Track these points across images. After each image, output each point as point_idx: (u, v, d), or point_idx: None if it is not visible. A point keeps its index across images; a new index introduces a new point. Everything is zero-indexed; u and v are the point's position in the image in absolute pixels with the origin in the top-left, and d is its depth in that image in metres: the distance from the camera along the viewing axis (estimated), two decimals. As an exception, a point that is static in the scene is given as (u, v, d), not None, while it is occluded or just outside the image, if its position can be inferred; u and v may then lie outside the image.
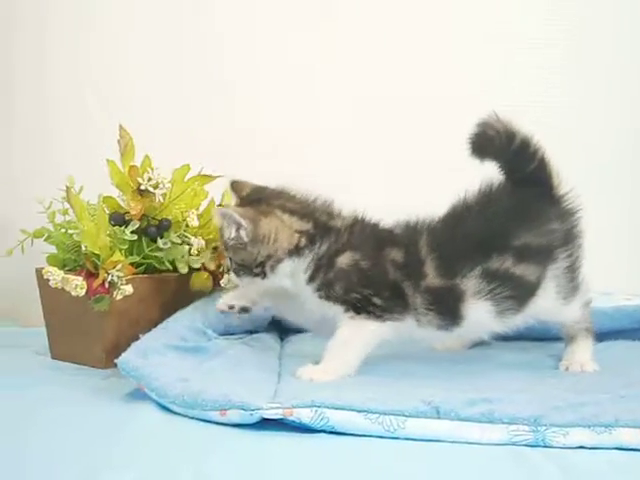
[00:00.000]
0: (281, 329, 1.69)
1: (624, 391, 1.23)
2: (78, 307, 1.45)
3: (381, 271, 1.34)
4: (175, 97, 1.95)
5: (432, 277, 1.34)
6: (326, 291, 1.34)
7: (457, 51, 1.98)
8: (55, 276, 1.41)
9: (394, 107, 1.96)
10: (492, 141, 1.39)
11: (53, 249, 1.55)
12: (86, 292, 1.40)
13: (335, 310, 1.35)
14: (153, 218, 1.53)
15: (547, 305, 1.39)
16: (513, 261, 1.34)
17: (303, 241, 1.35)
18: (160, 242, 1.51)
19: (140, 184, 1.48)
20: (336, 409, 1.11)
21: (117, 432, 1.11)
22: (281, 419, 1.11)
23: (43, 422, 1.15)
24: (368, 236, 1.37)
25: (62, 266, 1.50)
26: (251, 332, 1.63)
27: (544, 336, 1.67)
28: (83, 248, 1.43)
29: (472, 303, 1.34)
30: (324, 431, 1.11)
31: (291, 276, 1.36)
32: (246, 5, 1.99)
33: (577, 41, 1.96)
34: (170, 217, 1.54)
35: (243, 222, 1.32)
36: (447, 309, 1.34)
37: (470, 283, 1.33)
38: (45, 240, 1.55)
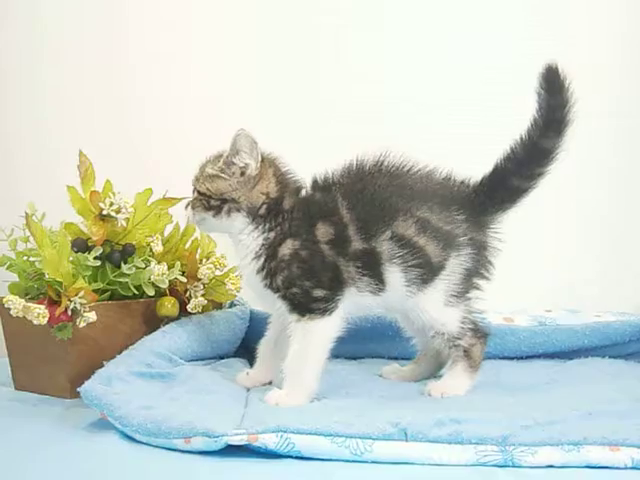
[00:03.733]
0: (250, 354, 1.67)
1: (593, 408, 1.23)
2: (41, 336, 1.42)
3: (319, 258, 1.33)
4: (134, 121, 1.93)
5: (355, 241, 1.33)
6: (270, 280, 1.34)
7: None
8: (16, 305, 1.38)
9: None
10: (562, 89, 1.34)
11: (15, 277, 1.52)
12: (48, 320, 1.38)
13: (280, 305, 1.35)
14: (117, 243, 1.51)
15: (433, 296, 1.37)
16: (415, 230, 1.33)
17: (262, 210, 1.35)
18: (124, 267, 1.49)
19: (102, 209, 1.47)
20: (301, 434, 1.10)
21: (79, 463, 1.09)
22: (246, 445, 1.09)
23: (2, 455, 1.13)
24: (303, 215, 1.36)
25: (24, 294, 1.48)
26: (220, 357, 1.61)
27: (515, 354, 1.68)
28: (45, 276, 1.40)
29: (386, 267, 1.33)
30: (290, 456, 1.09)
31: (237, 240, 1.37)
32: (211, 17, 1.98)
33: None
34: (134, 242, 1.52)
35: (260, 157, 1.34)
36: (373, 272, 1.33)
37: (384, 247, 1.33)
38: (7, 269, 1.52)
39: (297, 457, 1.09)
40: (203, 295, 1.57)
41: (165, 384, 1.35)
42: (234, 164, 1.34)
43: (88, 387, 1.25)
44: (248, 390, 1.41)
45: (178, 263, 1.53)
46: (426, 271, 1.34)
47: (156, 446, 1.14)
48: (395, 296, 1.36)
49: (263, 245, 1.35)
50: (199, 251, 1.61)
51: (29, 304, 1.38)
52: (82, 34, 1.96)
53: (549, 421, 1.16)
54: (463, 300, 1.38)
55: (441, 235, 1.35)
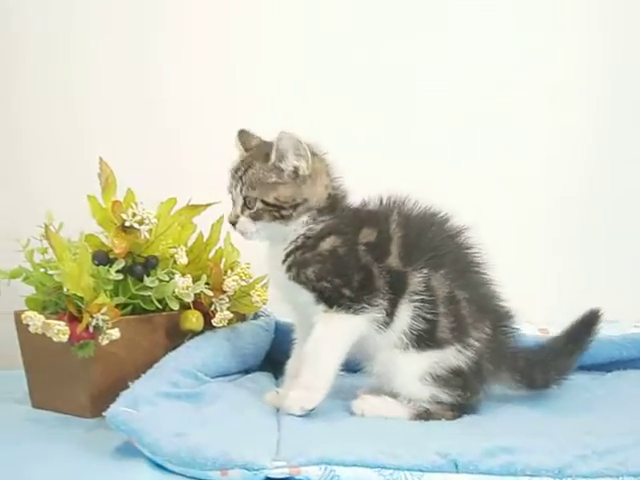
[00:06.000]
0: (275, 366, 1.61)
1: (647, 432, 1.18)
2: (60, 352, 1.36)
3: (354, 258, 1.31)
4: (155, 128, 1.87)
5: (394, 257, 1.31)
6: (296, 271, 1.31)
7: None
8: (35, 321, 1.32)
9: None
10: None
11: (31, 289, 1.45)
12: (69, 338, 1.31)
13: (305, 297, 1.31)
14: (139, 255, 1.44)
15: (415, 364, 1.30)
16: (444, 294, 1.30)
17: (324, 203, 1.33)
18: (147, 280, 1.43)
19: (124, 220, 1.41)
20: (346, 466, 1.04)
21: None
22: (287, 478, 1.03)
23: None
24: (351, 218, 1.34)
25: (42, 308, 1.41)
26: (246, 371, 1.55)
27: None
28: (65, 290, 1.34)
29: (404, 300, 1.30)
30: (332, 488, 1.03)
31: (281, 238, 1.33)
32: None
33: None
34: (157, 254, 1.46)
35: (309, 153, 1.29)
36: (394, 296, 1.30)
37: (414, 279, 1.30)
38: (23, 281, 1.45)
39: (340, 489, 1.03)
40: (228, 308, 1.51)
41: (193, 405, 1.29)
42: (284, 169, 1.30)
43: (114, 411, 1.18)
44: (278, 410, 1.34)
45: (204, 276, 1.47)
46: (427, 336, 1.30)
47: (190, 477, 1.07)
48: (387, 341, 1.31)
49: (303, 235, 1.32)
50: (223, 261, 1.55)
51: (49, 321, 1.31)
52: (103, 40, 1.91)
53: (605, 449, 1.09)
54: (442, 385, 1.31)
55: (458, 321, 1.30)
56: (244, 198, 1.32)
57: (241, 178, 1.32)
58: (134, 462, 1.13)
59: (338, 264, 1.30)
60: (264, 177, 1.30)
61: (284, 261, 1.32)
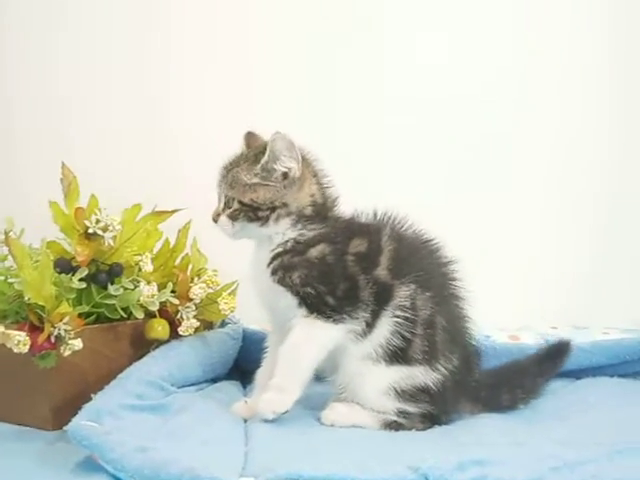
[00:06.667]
0: (243, 375, 1.58)
1: (619, 441, 1.17)
2: (21, 362, 1.32)
3: (342, 267, 1.30)
4: (119, 132, 1.84)
5: (382, 269, 1.30)
6: (282, 274, 1.29)
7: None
8: (-6, 332, 1.27)
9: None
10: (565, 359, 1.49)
11: (-10, 298, 1.41)
12: (30, 348, 1.28)
13: (288, 301, 1.29)
14: (103, 263, 1.41)
15: (382, 377, 1.29)
16: (426, 317, 1.30)
17: (308, 211, 1.31)
18: (111, 289, 1.39)
19: (87, 227, 1.37)
20: (315, 481, 1.01)
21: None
22: (254, 494, 1.00)
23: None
24: (344, 228, 1.34)
25: (2, 318, 1.37)
26: (213, 380, 1.52)
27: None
28: (26, 299, 1.30)
29: (387, 312, 1.28)
30: (301, 505, 1.01)
31: (268, 240, 1.31)
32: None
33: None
34: (122, 261, 1.42)
35: (300, 157, 1.29)
36: (377, 307, 1.29)
37: (401, 292, 1.29)
38: (-19, 289, 1.41)
39: (309, 505, 1.01)
40: (195, 316, 1.47)
41: (158, 418, 1.26)
42: (275, 170, 1.29)
43: (76, 425, 1.14)
44: (246, 421, 1.32)
45: (170, 284, 1.44)
46: (400, 353, 1.29)
47: (155, 494, 1.05)
48: (360, 352, 1.29)
49: (293, 239, 1.30)
50: (190, 267, 1.52)
51: (9, 331, 1.27)
52: (76, 41, 1.88)
53: (577, 461, 1.08)
54: (407, 399, 1.30)
55: (430, 346, 1.29)
56: (225, 197, 1.32)
57: (225, 177, 1.32)
58: (96, 478, 1.08)
59: (325, 272, 1.29)
60: (245, 178, 1.29)
61: (270, 263, 1.31)
